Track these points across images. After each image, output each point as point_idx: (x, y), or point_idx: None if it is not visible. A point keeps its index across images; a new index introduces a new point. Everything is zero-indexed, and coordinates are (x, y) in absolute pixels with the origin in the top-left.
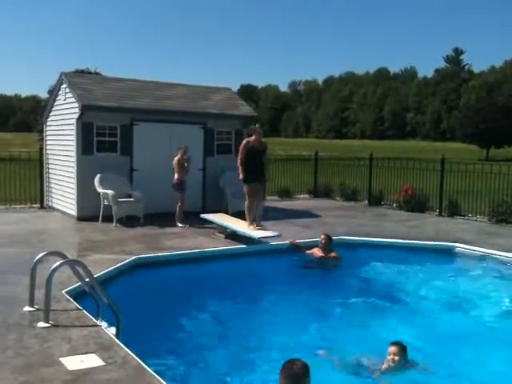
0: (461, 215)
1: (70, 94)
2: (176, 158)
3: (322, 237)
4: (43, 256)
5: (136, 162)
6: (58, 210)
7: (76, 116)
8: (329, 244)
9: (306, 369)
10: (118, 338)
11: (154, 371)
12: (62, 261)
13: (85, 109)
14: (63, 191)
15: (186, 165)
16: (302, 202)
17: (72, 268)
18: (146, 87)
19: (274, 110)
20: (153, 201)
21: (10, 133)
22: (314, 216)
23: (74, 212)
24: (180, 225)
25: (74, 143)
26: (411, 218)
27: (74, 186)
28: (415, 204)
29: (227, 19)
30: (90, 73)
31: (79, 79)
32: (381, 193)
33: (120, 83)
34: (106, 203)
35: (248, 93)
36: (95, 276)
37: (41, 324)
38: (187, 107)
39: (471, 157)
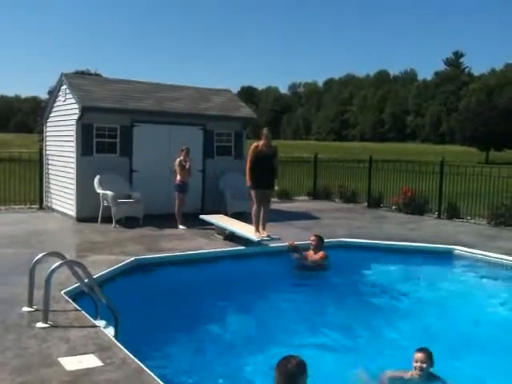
0: (460, 218)
1: (70, 95)
2: (178, 160)
3: (312, 238)
4: (42, 257)
5: (136, 163)
6: (57, 211)
7: (76, 117)
8: (320, 244)
9: (301, 367)
10: (116, 339)
11: (153, 372)
12: (61, 261)
13: (85, 110)
14: (63, 192)
15: (187, 166)
16: (302, 203)
17: (71, 269)
18: (146, 89)
19: (274, 111)
20: (152, 202)
21: (10, 133)
22: (313, 218)
23: (73, 213)
24: (181, 227)
25: (73, 144)
26: (410, 221)
27: (74, 186)
28: (414, 206)
29: (227, 21)
30: (90, 74)
31: (79, 80)
32: (380, 195)
33: (120, 84)
34: (105, 204)
35: (248, 95)
36: (94, 277)
37: (39, 324)
38: (187, 109)
39: (471, 159)
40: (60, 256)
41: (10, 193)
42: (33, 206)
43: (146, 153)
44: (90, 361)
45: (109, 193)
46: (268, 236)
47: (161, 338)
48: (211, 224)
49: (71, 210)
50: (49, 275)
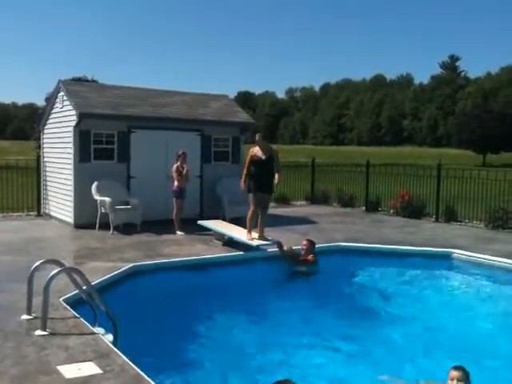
0: (457, 221)
1: (67, 102)
2: (175, 166)
3: (304, 242)
4: (40, 264)
5: (133, 169)
6: (55, 218)
7: (73, 124)
8: (311, 249)
9: None
10: (115, 346)
11: (152, 379)
12: (59, 269)
13: (82, 116)
14: (60, 199)
15: (184, 172)
16: (300, 208)
17: (69, 276)
18: (144, 95)
19: (271, 116)
20: (150, 208)
21: (7, 140)
22: (311, 222)
23: (71, 220)
24: (179, 232)
25: (71, 151)
26: (408, 224)
27: (71, 193)
28: (412, 210)
29: (225, 27)
30: (87, 80)
31: (77, 87)
32: (378, 199)
33: (117, 91)
34: (103, 211)
35: (245, 100)
36: (93, 284)
37: (38, 332)
38: (184, 114)
39: (468, 163)
40: (58, 263)
41: (8, 200)
42: (30, 213)
43: (144, 159)
44: (89, 368)
45: (106, 199)
46: (264, 238)
47: (160, 345)
48: (210, 229)
49: (69, 217)
50: (47, 282)
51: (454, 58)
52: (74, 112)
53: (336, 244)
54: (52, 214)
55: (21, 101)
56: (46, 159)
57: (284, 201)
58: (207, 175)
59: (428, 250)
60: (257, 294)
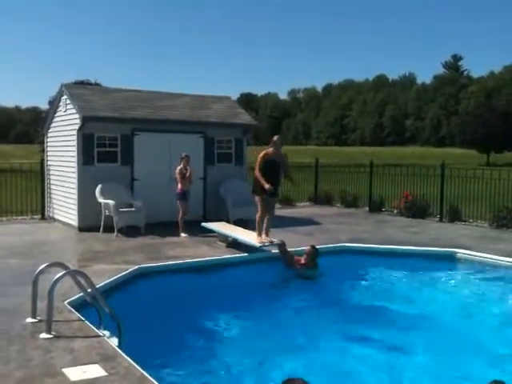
0: (462, 221)
1: (70, 105)
2: (178, 168)
3: (308, 248)
4: (45, 267)
5: (137, 171)
6: (58, 221)
7: (77, 127)
8: (314, 255)
9: None
10: (120, 349)
11: (157, 381)
12: (63, 271)
13: (86, 120)
14: (64, 202)
15: (187, 174)
16: (303, 209)
17: (74, 279)
18: (146, 97)
19: (274, 118)
20: (154, 210)
21: (11, 144)
22: (315, 223)
23: (75, 222)
24: (183, 234)
25: (74, 154)
26: (412, 225)
27: (75, 196)
28: (416, 210)
29: (226, 28)
30: (90, 84)
31: (80, 90)
32: (381, 199)
33: (120, 94)
34: (106, 213)
35: (248, 101)
36: (97, 286)
37: (43, 335)
38: (187, 116)
39: (472, 162)
40: (63, 266)
41: (12, 203)
42: (35, 217)
43: (147, 161)
44: (94, 371)
45: (110, 202)
46: (270, 242)
47: (165, 347)
48: (213, 231)
49: (73, 220)
50: (52, 285)
51: (456, 58)
52: (77, 115)
53: (340, 245)
54: (56, 217)
55: (24, 104)
56: (49, 163)
57: (288, 202)
58: (210, 177)
59: (433, 250)
60: (259, 295)
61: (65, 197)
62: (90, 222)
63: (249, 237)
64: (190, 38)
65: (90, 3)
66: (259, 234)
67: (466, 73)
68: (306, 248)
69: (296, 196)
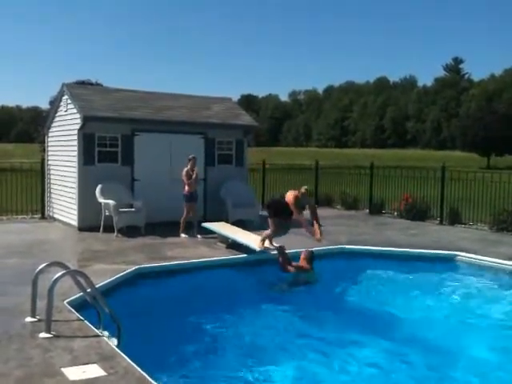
0: (462, 223)
1: (71, 105)
2: (185, 170)
3: (304, 251)
4: (45, 266)
5: (137, 171)
6: (59, 221)
7: (77, 127)
8: (309, 259)
9: None
10: (119, 349)
11: (156, 381)
12: (63, 271)
13: (86, 120)
14: (64, 201)
15: (194, 176)
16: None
17: (74, 278)
18: (147, 98)
19: (275, 119)
20: (154, 210)
21: (11, 143)
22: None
23: (75, 222)
24: (183, 235)
25: (75, 154)
26: (412, 227)
27: (76, 196)
28: (416, 212)
29: (227, 30)
30: (91, 84)
31: (81, 90)
32: (382, 201)
33: (121, 94)
34: (107, 213)
35: (248, 102)
36: (97, 286)
37: (42, 335)
38: (188, 117)
39: (472, 165)
40: (62, 266)
41: (12, 203)
42: (35, 216)
43: (148, 161)
44: (94, 371)
45: (110, 202)
46: (272, 247)
47: (164, 347)
48: (214, 232)
49: (73, 220)
50: (51, 285)
51: (457, 61)
52: (78, 115)
53: (339, 246)
54: (56, 216)
55: (25, 104)
56: (50, 162)
57: None
58: (211, 178)
59: (433, 253)
60: (257, 297)
61: (65, 196)
62: (90, 221)
63: (248, 238)
64: (191, 39)
65: (90, 3)
66: (262, 241)
67: (466, 76)
68: (303, 251)
69: None
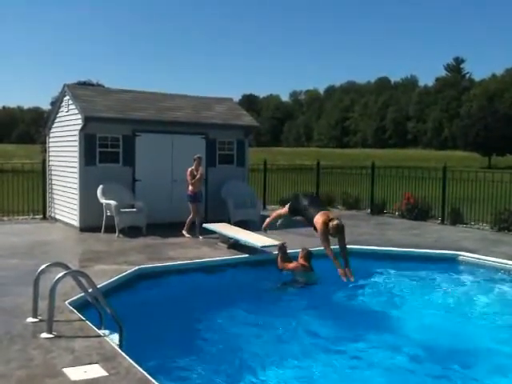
0: (463, 223)
1: (72, 106)
2: (189, 169)
3: (302, 251)
4: (46, 267)
5: (138, 172)
6: (60, 221)
7: (79, 127)
8: (307, 257)
9: None
10: (121, 349)
11: (158, 381)
12: (65, 272)
13: (88, 120)
14: (66, 202)
15: (198, 175)
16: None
17: (75, 279)
18: (148, 98)
19: (276, 119)
20: (155, 211)
21: (13, 144)
22: None
23: (76, 223)
24: (187, 235)
25: (76, 154)
26: (414, 227)
27: (77, 196)
28: (418, 212)
29: (228, 30)
30: (93, 85)
31: (82, 91)
32: (383, 201)
33: (122, 94)
34: (108, 214)
35: (249, 103)
36: (98, 287)
37: (44, 335)
38: (189, 118)
39: (474, 165)
40: (64, 266)
41: (14, 203)
42: (36, 217)
43: (149, 162)
44: (95, 371)
45: (112, 202)
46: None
47: (165, 347)
48: (215, 232)
49: (74, 220)
50: (53, 285)
51: (458, 60)
52: (79, 116)
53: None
54: (57, 217)
55: (26, 104)
56: (51, 163)
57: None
58: (212, 178)
59: (434, 253)
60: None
61: (66, 197)
62: (92, 222)
63: (250, 238)
64: (191, 39)
65: (91, 3)
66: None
67: (468, 76)
68: (300, 250)
69: None
